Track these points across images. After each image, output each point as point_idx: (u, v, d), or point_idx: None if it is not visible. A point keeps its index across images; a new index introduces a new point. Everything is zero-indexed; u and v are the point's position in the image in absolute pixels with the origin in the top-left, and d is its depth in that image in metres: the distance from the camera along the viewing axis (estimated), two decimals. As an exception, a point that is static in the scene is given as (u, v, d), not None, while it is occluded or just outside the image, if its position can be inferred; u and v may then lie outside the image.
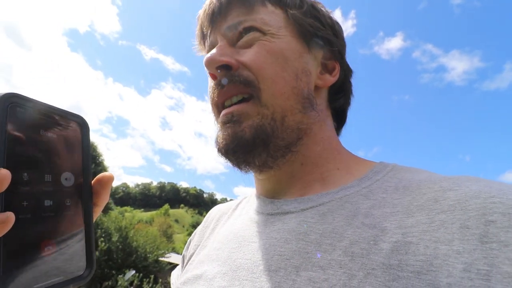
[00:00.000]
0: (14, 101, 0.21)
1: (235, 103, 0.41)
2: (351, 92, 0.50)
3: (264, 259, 0.35)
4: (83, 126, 0.26)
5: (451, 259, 0.25)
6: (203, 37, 0.47)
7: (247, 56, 0.40)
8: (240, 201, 0.55)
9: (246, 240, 0.40)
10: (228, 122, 0.40)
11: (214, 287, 0.36)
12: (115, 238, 9.48)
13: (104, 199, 0.27)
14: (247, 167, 0.41)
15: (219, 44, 0.42)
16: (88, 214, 0.25)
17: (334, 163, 0.42)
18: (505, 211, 0.26)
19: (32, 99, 0.23)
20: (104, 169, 21.43)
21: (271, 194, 0.45)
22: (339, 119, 0.50)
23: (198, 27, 0.47)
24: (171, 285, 0.53)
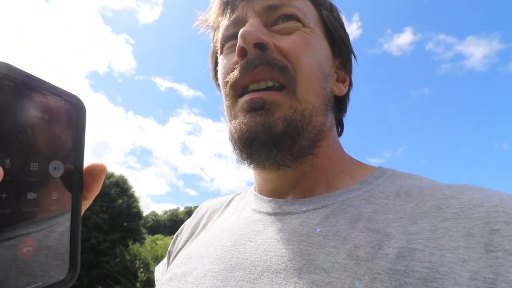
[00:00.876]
0: (2, 72, 0.18)
1: (263, 89, 0.37)
2: (347, 106, 0.50)
3: (263, 259, 0.33)
4: (78, 108, 0.23)
5: (457, 267, 0.25)
6: (226, 6, 0.42)
7: (286, 42, 0.38)
8: (232, 198, 0.53)
9: (242, 238, 0.38)
10: (258, 110, 0.36)
11: (206, 286, 0.34)
12: (153, 267, 9.89)
13: (94, 192, 0.24)
14: (264, 163, 0.38)
15: (253, 20, 0.38)
16: (76, 211, 0.22)
17: (340, 167, 0.42)
18: (508, 220, 0.26)
19: (23, 71, 0.20)
20: (136, 200, 22.38)
21: (273, 194, 0.43)
22: (339, 128, 0.51)
23: None
24: (156, 282, 0.51)
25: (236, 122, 0.38)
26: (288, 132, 0.36)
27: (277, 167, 0.39)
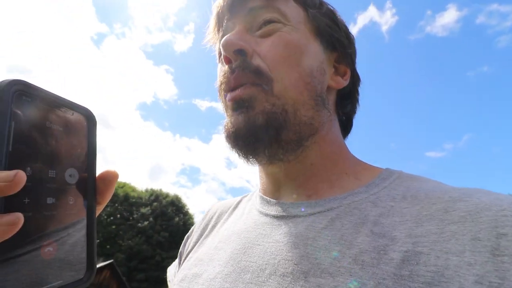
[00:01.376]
0: (20, 89, 0.20)
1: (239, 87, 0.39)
2: (358, 101, 0.50)
3: (271, 263, 0.34)
4: (89, 119, 0.25)
5: (463, 270, 0.25)
6: (218, 25, 0.45)
7: (264, 45, 0.40)
8: (240, 200, 0.53)
9: (251, 242, 0.39)
10: (239, 108, 0.38)
11: None
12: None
13: (107, 197, 0.26)
14: (256, 156, 0.40)
15: (237, 29, 0.41)
16: (91, 214, 0.24)
17: (343, 167, 0.42)
18: None
19: (38, 87, 0.21)
20: (190, 217, 23.72)
21: (276, 195, 0.44)
22: (345, 126, 0.50)
23: (214, 15, 0.46)
24: (168, 282, 0.52)
25: (225, 122, 0.41)
26: (269, 124, 0.37)
27: (270, 160, 0.40)
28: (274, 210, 0.41)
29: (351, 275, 0.29)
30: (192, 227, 0.57)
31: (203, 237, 0.51)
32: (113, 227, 21.54)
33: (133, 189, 24.54)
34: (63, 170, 0.22)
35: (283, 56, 0.39)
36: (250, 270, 0.35)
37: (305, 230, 0.36)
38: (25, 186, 0.19)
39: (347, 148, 0.46)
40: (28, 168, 0.20)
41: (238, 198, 0.55)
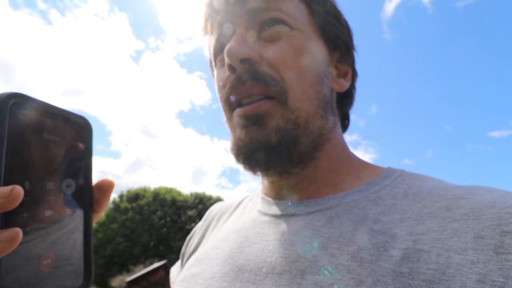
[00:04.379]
0: (16, 101, 0.20)
1: (255, 101, 0.37)
2: (354, 97, 0.49)
3: (268, 261, 0.34)
4: (86, 128, 0.25)
5: (465, 268, 0.24)
6: (211, 25, 0.42)
7: (271, 51, 0.37)
8: (242, 200, 0.53)
9: (249, 240, 0.38)
10: (252, 124, 0.37)
11: (214, 287, 0.36)
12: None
13: (104, 206, 0.26)
14: (267, 172, 0.39)
15: (239, 33, 0.38)
16: (88, 224, 0.24)
17: (346, 168, 0.41)
18: None
19: (34, 98, 0.21)
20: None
21: (279, 196, 0.43)
22: (343, 123, 0.49)
23: (206, 12, 0.42)
24: (171, 283, 0.52)
25: (234, 137, 0.39)
26: (282, 143, 0.36)
27: (280, 175, 0.40)
28: (274, 209, 0.41)
29: (348, 272, 0.29)
30: (194, 228, 0.57)
31: (204, 238, 0.51)
32: (164, 229, 22.94)
33: (179, 193, 25.87)
34: (61, 181, 0.23)
35: (294, 64, 0.37)
36: (248, 269, 0.35)
37: (303, 228, 0.35)
38: (24, 201, 0.19)
39: (348, 147, 0.45)
40: (27, 182, 0.20)
41: (240, 199, 0.54)
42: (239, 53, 0.36)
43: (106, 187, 0.25)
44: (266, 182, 0.46)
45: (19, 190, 0.18)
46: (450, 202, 0.30)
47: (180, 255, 0.55)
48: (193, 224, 22.52)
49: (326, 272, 0.30)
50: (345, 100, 0.47)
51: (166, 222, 23.42)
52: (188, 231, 22.25)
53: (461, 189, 0.32)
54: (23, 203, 0.19)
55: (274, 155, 0.36)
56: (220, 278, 0.36)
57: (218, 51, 0.42)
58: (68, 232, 0.23)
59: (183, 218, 23.52)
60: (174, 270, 0.56)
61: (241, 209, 0.49)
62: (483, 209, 0.28)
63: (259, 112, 0.36)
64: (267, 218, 0.41)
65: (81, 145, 0.25)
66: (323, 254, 0.31)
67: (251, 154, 0.37)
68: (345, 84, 0.44)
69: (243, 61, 0.36)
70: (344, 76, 0.45)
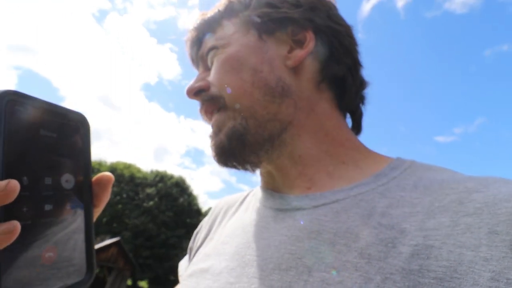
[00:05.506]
0: (12, 99, 0.20)
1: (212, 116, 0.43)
2: (351, 54, 0.44)
3: (275, 257, 0.34)
4: (83, 124, 0.25)
5: (478, 266, 0.23)
6: (193, 62, 0.50)
7: (212, 75, 0.43)
8: (247, 194, 0.53)
9: (255, 236, 0.39)
10: (211, 136, 0.43)
11: (221, 282, 0.36)
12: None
13: (104, 200, 0.26)
14: (242, 166, 0.42)
15: (198, 72, 0.47)
16: (88, 218, 0.25)
17: (338, 157, 0.40)
18: None
19: (30, 96, 0.22)
20: (195, 198, 24.20)
21: (277, 188, 0.43)
22: (342, 98, 0.44)
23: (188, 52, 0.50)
24: (179, 277, 0.53)
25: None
26: (231, 138, 0.40)
27: (251, 168, 0.42)
28: (277, 203, 0.41)
29: (356, 269, 0.28)
30: (201, 223, 0.58)
31: (211, 232, 0.52)
32: (119, 206, 22.11)
33: (139, 170, 24.93)
34: (59, 176, 0.23)
35: (223, 74, 0.42)
36: (255, 264, 0.35)
37: (309, 223, 0.35)
38: (23, 195, 0.20)
39: (344, 133, 0.42)
40: (25, 178, 0.21)
41: (245, 193, 0.55)
42: (190, 90, 0.44)
43: (105, 181, 0.26)
44: (261, 173, 0.47)
45: (14, 184, 0.19)
46: (463, 195, 0.29)
47: (188, 250, 0.57)
48: (151, 202, 22.01)
49: (333, 269, 0.29)
50: (328, 64, 0.42)
51: (122, 198, 22.55)
52: (146, 209, 21.74)
53: (475, 181, 0.30)
54: (22, 198, 0.19)
55: (230, 152, 0.41)
56: (228, 273, 0.36)
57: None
58: (69, 226, 0.23)
59: (141, 196, 22.81)
60: (182, 264, 0.56)
61: (246, 204, 0.50)
62: (498, 203, 0.26)
63: (214, 123, 0.43)
64: (271, 212, 0.41)
65: (79, 141, 0.25)
66: (330, 251, 0.31)
67: (221, 160, 0.42)
68: (299, 54, 0.41)
69: (196, 93, 0.44)
70: (303, 43, 0.42)
